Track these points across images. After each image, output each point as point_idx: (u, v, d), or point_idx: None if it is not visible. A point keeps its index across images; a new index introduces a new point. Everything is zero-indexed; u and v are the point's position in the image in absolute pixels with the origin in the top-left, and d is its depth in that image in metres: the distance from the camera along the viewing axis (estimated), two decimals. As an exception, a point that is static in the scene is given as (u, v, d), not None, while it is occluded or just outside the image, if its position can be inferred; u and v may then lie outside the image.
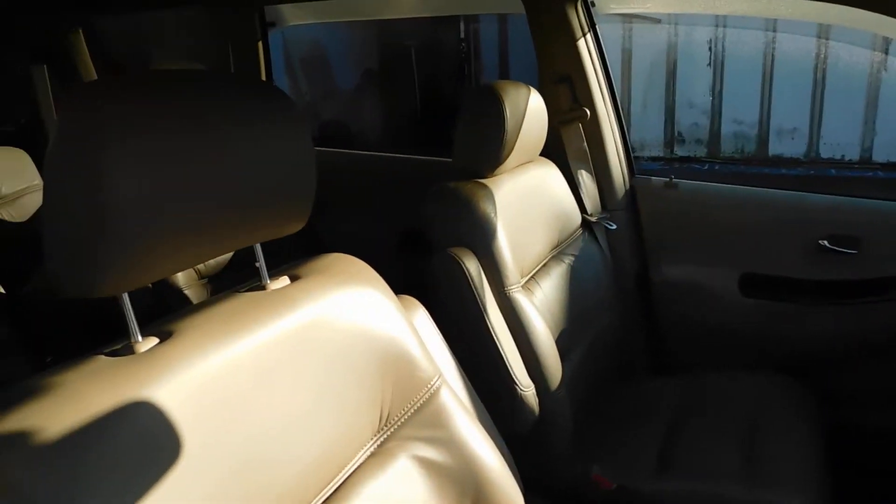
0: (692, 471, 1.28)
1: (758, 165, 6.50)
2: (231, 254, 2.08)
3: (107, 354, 0.66)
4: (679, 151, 6.87)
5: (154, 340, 0.68)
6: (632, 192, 1.90)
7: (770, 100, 6.41)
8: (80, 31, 2.45)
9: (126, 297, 0.66)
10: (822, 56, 5.86)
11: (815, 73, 5.94)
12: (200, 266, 1.98)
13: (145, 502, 0.57)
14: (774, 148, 6.50)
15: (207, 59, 2.57)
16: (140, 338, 0.68)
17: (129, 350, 0.66)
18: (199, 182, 0.65)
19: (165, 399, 0.62)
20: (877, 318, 1.60)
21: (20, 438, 0.53)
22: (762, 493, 1.20)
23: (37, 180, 2.41)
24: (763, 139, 6.53)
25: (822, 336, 1.67)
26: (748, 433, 1.35)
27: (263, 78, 2.34)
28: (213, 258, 0.75)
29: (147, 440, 0.59)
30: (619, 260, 1.80)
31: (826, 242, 1.66)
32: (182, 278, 1.78)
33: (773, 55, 6.06)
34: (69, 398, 0.58)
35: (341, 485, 0.78)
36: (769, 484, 1.21)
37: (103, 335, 0.76)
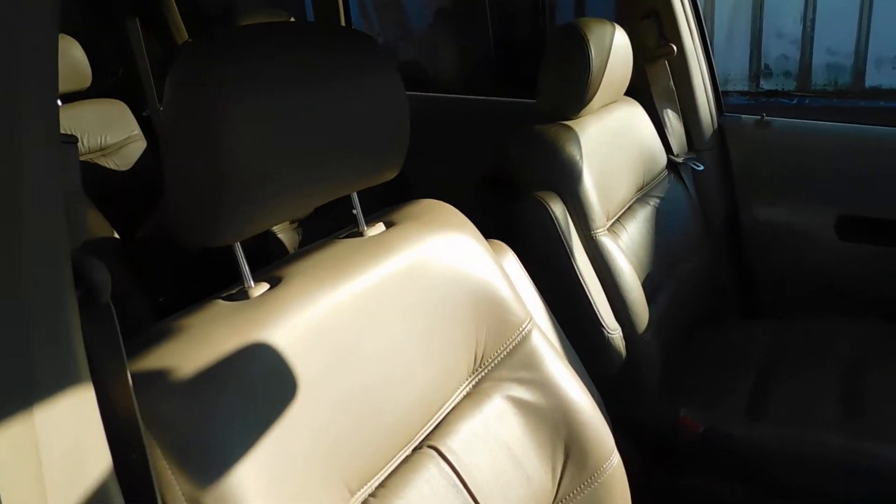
0: (787, 416, 1.26)
1: (853, 98, 6.08)
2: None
3: (224, 299, 0.71)
4: (766, 85, 6.50)
5: (265, 286, 0.72)
6: (720, 131, 1.82)
7: (869, 26, 5.95)
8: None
9: (238, 245, 0.70)
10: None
11: (923, -6, 5.47)
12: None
13: (269, 438, 0.61)
14: (872, 79, 6.06)
15: (286, 6, 2.59)
16: (252, 283, 0.72)
17: (243, 295, 0.71)
18: (304, 135, 0.67)
19: (282, 341, 0.66)
20: None
21: (158, 376, 0.58)
22: (865, 443, 1.16)
23: (136, 130, 2.51)
24: (859, 70, 6.09)
25: None
26: (848, 381, 1.30)
27: (343, 23, 2.35)
28: (315, 206, 0.79)
29: (269, 381, 0.64)
30: (707, 202, 1.75)
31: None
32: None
33: (872, -25, 5.62)
34: (198, 340, 0.63)
35: (441, 422, 0.81)
36: (873, 435, 1.17)
37: (210, 278, 0.81)
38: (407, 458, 0.77)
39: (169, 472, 0.55)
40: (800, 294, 1.72)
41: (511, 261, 1.06)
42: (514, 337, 0.91)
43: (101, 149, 2.41)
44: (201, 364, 0.60)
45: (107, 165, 2.40)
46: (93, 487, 0.44)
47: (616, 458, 0.95)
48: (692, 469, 1.29)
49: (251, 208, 0.65)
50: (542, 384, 0.91)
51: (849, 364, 1.36)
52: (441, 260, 0.87)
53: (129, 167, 2.44)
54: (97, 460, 0.46)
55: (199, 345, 0.62)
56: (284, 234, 1.87)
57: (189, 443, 0.57)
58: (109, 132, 2.43)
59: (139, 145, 2.51)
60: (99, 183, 2.26)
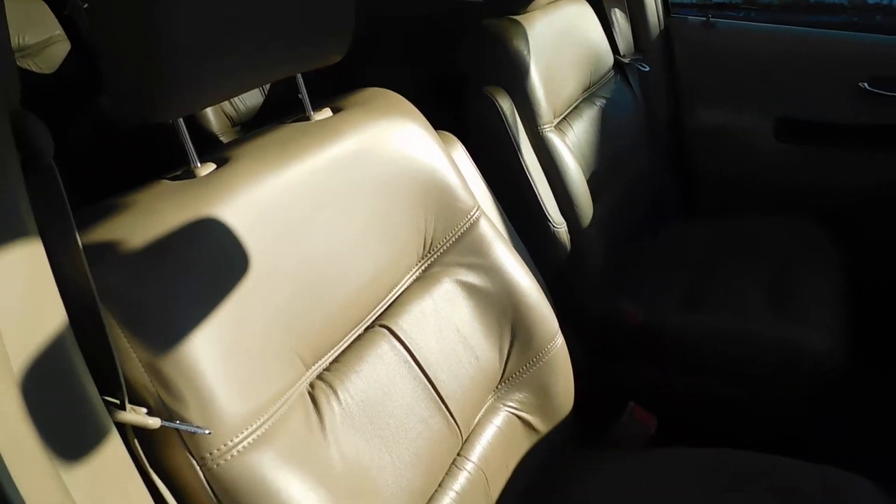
0: (719, 306, 1.32)
1: (797, 13, 6.12)
2: (262, 100, 2.08)
3: (168, 179, 0.69)
4: (713, -3, 6.47)
5: (212, 166, 0.71)
6: (667, 32, 1.82)
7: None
8: None
9: (181, 122, 0.68)
10: None
11: None
12: (233, 113, 1.99)
13: (222, 309, 0.62)
14: (816, -7, 6.09)
15: None
16: (199, 163, 0.70)
17: (190, 175, 0.69)
18: (243, 9, 0.65)
19: (231, 218, 0.66)
20: None
21: (107, 249, 0.57)
22: (790, 328, 1.24)
23: (58, 30, 2.35)
24: (805, -16, 6.11)
25: (856, 184, 1.65)
26: (777, 275, 1.37)
27: None
28: (259, 85, 0.76)
29: (219, 254, 0.64)
30: (651, 103, 1.76)
31: (866, 85, 1.60)
32: (216, 125, 1.79)
33: None
34: (145, 215, 0.62)
35: (392, 303, 0.83)
36: (796, 321, 1.25)
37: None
38: (360, 336, 0.78)
39: (125, 340, 0.55)
40: (738, 194, 1.78)
41: (460, 152, 1.06)
42: (462, 224, 0.93)
43: (20, 49, 2.26)
44: (150, 237, 0.60)
45: (29, 67, 2.25)
46: (49, 340, 0.44)
47: (560, 340, 0.99)
48: (631, 357, 1.35)
49: (191, 80, 0.63)
50: (489, 269, 0.93)
51: (779, 259, 1.43)
52: (388, 145, 0.86)
53: (52, 70, 2.29)
54: (52, 315, 0.45)
55: (147, 220, 0.61)
56: (225, 136, 1.82)
57: (144, 313, 0.57)
58: (28, 32, 2.28)
59: (62, 46, 2.35)
60: (21, 86, 2.12)
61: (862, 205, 1.65)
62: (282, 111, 0.89)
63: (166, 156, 0.76)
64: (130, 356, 0.55)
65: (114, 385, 0.51)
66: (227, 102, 1.47)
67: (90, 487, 0.43)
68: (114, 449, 0.48)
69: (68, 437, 0.43)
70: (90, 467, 0.45)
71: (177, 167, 0.71)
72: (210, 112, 1.82)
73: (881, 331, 1.46)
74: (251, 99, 1.95)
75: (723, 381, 1.28)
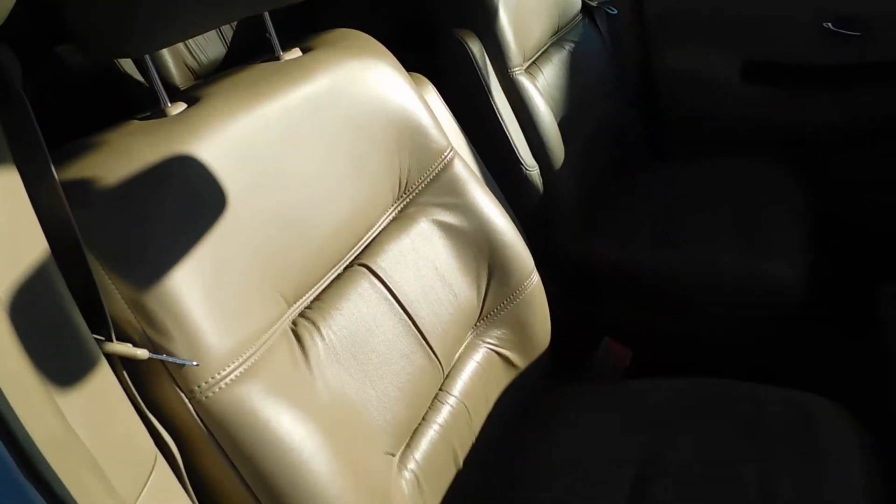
0: (688, 243, 1.36)
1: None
2: (225, 52, 2.02)
3: (138, 119, 0.68)
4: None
5: (182, 105, 0.70)
6: (634, -25, 1.81)
7: None
8: None
9: (149, 59, 0.67)
10: None
11: None
12: (195, 64, 1.93)
13: (201, 246, 0.62)
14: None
15: None
16: (169, 103, 0.69)
17: (160, 114, 0.68)
18: None
19: (206, 155, 0.65)
20: (880, 103, 1.60)
21: (82, 187, 0.57)
22: (754, 260, 1.27)
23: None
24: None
25: (821, 123, 1.68)
26: (744, 213, 1.40)
27: None
28: (228, 21, 0.75)
29: (195, 191, 0.63)
30: (620, 47, 1.76)
31: (831, 25, 1.62)
32: (178, 78, 1.75)
33: None
34: (118, 154, 0.61)
35: (370, 242, 0.84)
36: (762, 253, 1.29)
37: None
38: (339, 275, 0.79)
39: (106, 277, 0.55)
40: (707, 136, 1.80)
41: (432, 93, 1.05)
42: (436, 164, 0.93)
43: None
44: (125, 175, 0.59)
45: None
46: (33, 269, 0.44)
47: (536, 278, 1.01)
48: (605, 295, 1.39)
49: (161, 13, 0.61)
50: (464, 209, 0.94)
51: (746, 198, 1.46)
52: (360, 85, 0.86)
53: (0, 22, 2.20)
54: (33, 245, 0.45)
55: (121, 158, 0.61)
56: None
57: (123, 249, 0.57)
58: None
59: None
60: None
61: (827, 144, 1.68)
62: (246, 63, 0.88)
63: (129, 107, 0.75)
64: (112, 292, 0.55)
65: (99, 321, 0.51)
66: (188, 54, 1.44)
67: (84, 413, 0.44)
68: (105, 378, 0.49)
69: (59, 364, 0.44)
70: (83, 394, 0.45)
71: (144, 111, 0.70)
72: (171, 64, 1.77)
73: (843, 262, 1.51)
74: (213, 50, 1.90)
75: (693, 314, 1.32)
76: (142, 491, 0.48)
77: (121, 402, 0.50)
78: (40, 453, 0.37)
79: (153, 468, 0.50)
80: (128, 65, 1.30)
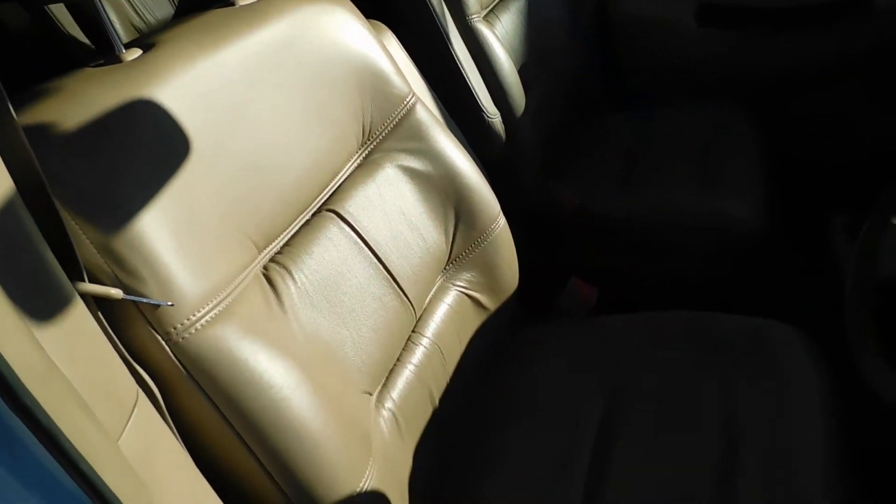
0: (649, 186, 1.39)
1: None
2: (172, 12, 1.97)
3: (92, 67, 0.67)
4: None
5: (137, 52, 0.69)
6: (588, -80, 1.80)
7: None
8: None
9: (100, 4, 0.65)
10: None
11: None
12: (142, 25, 1.88)
13: (168, 190, 0.61)
14: None
15: None
16: (123, 49, 0.68)
17: (115, 60, 0.67)
18: None
19: (166, 100, 0.64)
20: (831, 43, 1.63)
21: (43, 134, 0.56)
22: (712, 199, 1.31)
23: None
24: None
25: (776, 65, 1.71)
26: (702, 156, 1.43)
27: None
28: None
29: (157, 136, 0.63)
30: (576, -6, 1.76)
31: (782, -35, 1.64)
32: (124, 37, 1.69)
33: None
34: (74, 100, 0.60)
35: (337, 189, 0.84)
36: (720, 193, 1.32)
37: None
38: (308, 221, 0.79)
39: (73, 223, 0.55)
40: (664, 82, 1.82)
41: (391, 40, 1.05)
42: (399, 110, 0.93)
43: None
44: (84, 121, 0.58)
45: None
46: (1, 208, 0.43)
47: (502, 221, 1.02)
48: (570, 239, 1.41)
49: None
50: (429, 153, 0.94)
51: (704, 141, 1.49)
52: (319, 30, 0.85)
53: None
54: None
55: (79, 104, 0.60)
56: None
57: (89, 194, 0.56)
58: None
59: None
60: None
61: (782, 85, 1.72)
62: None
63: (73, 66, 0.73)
64: (81, 238, 0.55)
65: (70, 263, 0.50)
66: (134, 14, 1.40)
67: (64, 350, 0.44)
68: (83, 316, 0.49)
69: (35, 301, 0.43)
70: (61, 331, 0.45)
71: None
72: (118, 25, 1.72)
73: (799, 198, 1.56)
74: (160, 10, 1.85)
75: (656, 254, 1.35)
76: (126, 425, 0.48)
77: (99, 340, 0.50)
78: (23, 384, 0.37)
79: (135, 405, 0.51)
80: (69, 24, 1.26)
